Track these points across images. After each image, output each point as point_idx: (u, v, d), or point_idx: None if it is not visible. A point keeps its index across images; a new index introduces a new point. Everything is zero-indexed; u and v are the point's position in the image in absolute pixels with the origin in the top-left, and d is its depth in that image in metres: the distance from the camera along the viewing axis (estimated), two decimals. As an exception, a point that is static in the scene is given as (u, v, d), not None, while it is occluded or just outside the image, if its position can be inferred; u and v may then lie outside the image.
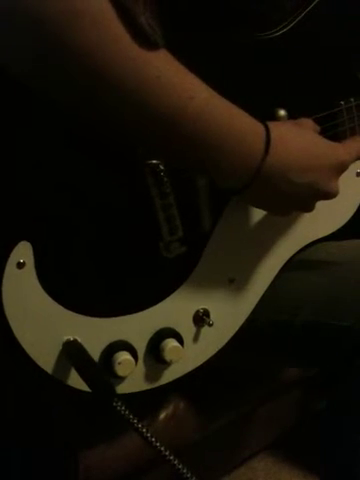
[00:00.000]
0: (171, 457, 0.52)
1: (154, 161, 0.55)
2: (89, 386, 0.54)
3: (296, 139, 0.55)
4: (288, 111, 0.60)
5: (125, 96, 0.46)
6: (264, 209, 0.60)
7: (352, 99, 0.64)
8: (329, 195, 0.58)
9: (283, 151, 0.53)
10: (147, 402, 0.71)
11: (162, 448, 0.52)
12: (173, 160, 0.54)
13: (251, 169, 0.52)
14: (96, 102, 0.47)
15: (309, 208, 0.60)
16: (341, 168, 0.58)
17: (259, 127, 0.53)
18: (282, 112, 0.59)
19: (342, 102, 0.63)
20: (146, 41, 0.46)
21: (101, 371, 0.56)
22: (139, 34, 0.46)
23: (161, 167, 0.55)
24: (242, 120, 0.52)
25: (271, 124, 0.54)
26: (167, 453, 0.52)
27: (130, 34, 0.45)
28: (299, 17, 0.59)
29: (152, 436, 0.52)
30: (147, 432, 0.52)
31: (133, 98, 0.46)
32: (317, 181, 0.56)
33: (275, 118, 0.60)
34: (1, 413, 0.67)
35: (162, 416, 0.77)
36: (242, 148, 0.51)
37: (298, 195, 0.57)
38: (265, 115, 0.55)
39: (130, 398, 0.60)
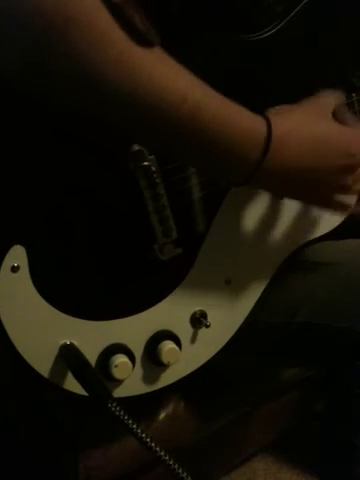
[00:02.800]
0: (167, 458, 0.52)
1: (146, 163, 0.54)
2: (85, 389, 0.54)
3: (302, 137, 0.52)
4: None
5: (120, 97, 0.46)
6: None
7: (344, 98, 0.63)
8: (342, 190, 0.55)
9: (284, 153, 0.51)
10: (147, 402, 0.71)
11: (158, 449, 0.52)
12: (171, 155, 0.53)
13: (248, 169, 0.51)
14: (91, 103, 0.47)
15: (325, 204, 0.57)
16: (355, 165, 0.54)
17: (258, 127, 0.50)
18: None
19: None
20: (140, 41, 0.46)
21: (97, 374, 0.56)
22: (133, 34, 0.45)
23: (153, 169, 0.55)
24: (239, 120, 0.50)
25: (276, 120, 0.51)
26: (163, 454, 0.52)
27: (124, 35, 0.45)
28: (286, 19, 0.59)
29: (147, 437, 0.52)
30: (142, 433, 0.52)
31: (127, 99, 0.46)
32: (324, 180, 0.54)
33: None
34: (1, 413, 0.67)
35: (162, 416, 0.77)
36: (238, 150, 0.50)
37: (305, 191, 0.55)
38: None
39: (129, 398, 0.60)
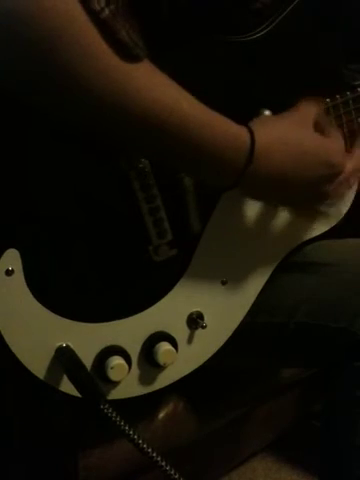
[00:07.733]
0: (160, 460, 0.52)
1: (140, 165, 0.55)
2: (78, 391, 0.54)
3: (284, 147, 0.54)
4: (273, 111, 0.59)
5: (107, 107, 0.47)
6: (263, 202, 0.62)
7: (338, 96, 0.63)
8: (323, 198, 0.58)
9: (268, 160, 0.53)
10: (146, 402, 0.71)
11: (150, 451, 0.52)
12: (158, 162, 0.55)
13: (234, 176, 0.53)
14: (80, 115, 0.48)
15: (309, 206, 0.61)
16: (335, 175, 0.57)
17: (242, 138, 0.52)
18: (267, 112, 0.59)
19: (328, 100, 0.62)
20: (127, 55, 0.47)
21: (91, 376, 0.56)
22: (120, 49, 0.47)
23: (147, 170, 0.55)
24: (225, 130, 0.51)
25: (260, 130, 0.53)
26: (155, 455, 0.52)
27: (111, 49, 0.46)
28: (277, 20, 0.59)
29: (139, 438, 0.52)
30: (134, 435, 0.52)
31: (115, 111, 0.47)
32: (306, 188, 0.56)
33: None
34: (1, 413, 0.68)
35: (162, 415, 0.77)
36: (225, 157, 0.52)
37: (289, 198, 0.58)
38: (251, 115, 0.55)
39: (128, 399, 0.60)
